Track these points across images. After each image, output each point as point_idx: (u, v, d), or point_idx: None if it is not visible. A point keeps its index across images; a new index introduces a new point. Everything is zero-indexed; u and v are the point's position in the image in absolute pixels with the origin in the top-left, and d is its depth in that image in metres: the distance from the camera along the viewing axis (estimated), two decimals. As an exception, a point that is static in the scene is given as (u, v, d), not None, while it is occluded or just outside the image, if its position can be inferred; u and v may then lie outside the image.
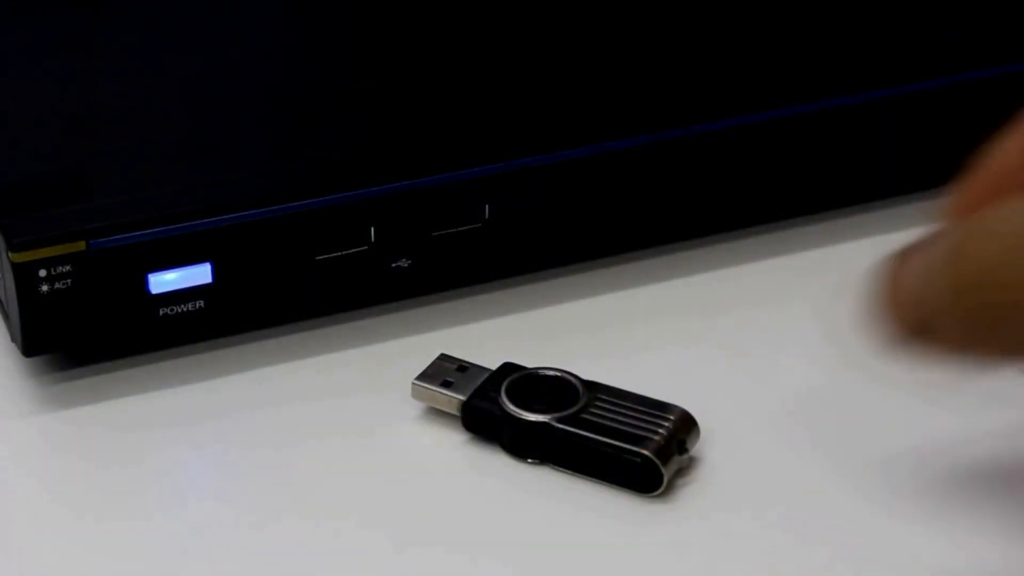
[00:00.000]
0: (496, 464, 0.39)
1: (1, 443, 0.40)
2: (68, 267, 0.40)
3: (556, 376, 0.40)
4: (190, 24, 0.50)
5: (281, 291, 0.42)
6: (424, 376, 0.40)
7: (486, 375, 0.40)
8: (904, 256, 0.34)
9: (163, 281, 0.41)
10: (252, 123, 0.45)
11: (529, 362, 0.41)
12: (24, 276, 0.39)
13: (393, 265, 0.43)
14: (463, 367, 0.41)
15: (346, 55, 0.49)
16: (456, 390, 0.40)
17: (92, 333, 0.41)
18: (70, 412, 0.41)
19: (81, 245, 0.40)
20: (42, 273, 0.39)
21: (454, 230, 0.43)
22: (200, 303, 0.41)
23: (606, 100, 0.45)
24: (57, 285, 0.40)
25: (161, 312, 0.41)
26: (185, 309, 0.41)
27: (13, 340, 0.41)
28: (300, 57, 0.48)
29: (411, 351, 0.43)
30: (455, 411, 0.40)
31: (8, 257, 0.39)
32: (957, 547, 0.36)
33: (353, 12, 0.52)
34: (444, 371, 0.41)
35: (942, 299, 0.33)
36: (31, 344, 0.41)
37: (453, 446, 0.40)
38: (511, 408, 0.39)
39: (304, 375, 0.42)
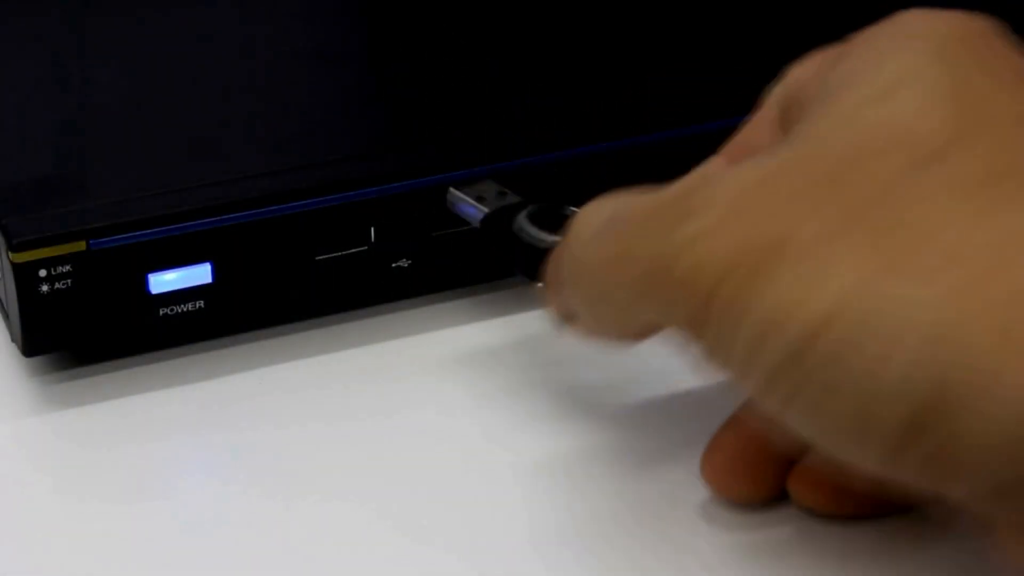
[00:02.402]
0: (496, 461, 0.39)
1: (2, 443, 0.40)
2: (68, 267, 0.40)
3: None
4: (191, 24, 0.50)
5: (281, 291, 0.42)
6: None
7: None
8: (558, 249, 0.37)
9: (163, 281, 0.41)
10: (252, 123, 0.45)
11: (528, 363, 0.41)
12: (24, 276, 0.39)
13: (393, 265, 0.43)
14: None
15: (347, 55, 0.49)
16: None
17: (92, 333, 0.41)
18: (70, 412, 0.41)
19: (81, 245, 0.40)
20: (42, 273, 0.39)
21: (454, 230, 0.43)
22: (200, 303, 0.41)
23: (605, 100, 0.45)
24: (57, 285, 0.40)
25: (161, 312, 0.41)
26: (185, 309, 0.41)
27: (13, 340, 0.41)
28: (300, 57, 0.48)
29: (411, 351, 0.43)
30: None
31: (8, 257, 0.39)
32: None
33: (353, 12, 0.52)
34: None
35: (564, 289, 0.37)
36: (31, 344, 0.41)
37: (453, 444, 0.40)
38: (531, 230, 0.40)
39: (304, 375, 0.42)
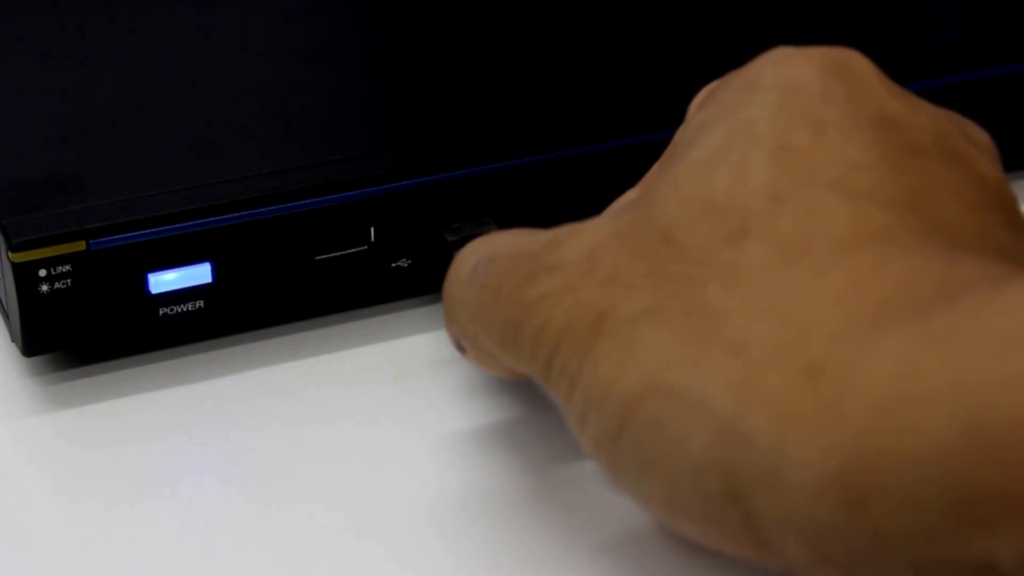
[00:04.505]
0: (490, 460, 0.39)
1: (2, 443, 0.40)
2: (68, 267, 0.40)
3: None
4: (191, 24, 0.50)
5: (281, 291, 0.42)
6: None
7: None
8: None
9: (163, 281, 0.41)
10: (252, 123, 0.45)
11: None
12: (24, 276, 0.39)
13: (393, 265, 0.43)
14: None
15: (346, 55, 0.49)
16: None
17: (92, 333, 0.41)
18: (70, 412, 0.41)
19: (81, 245, 0.40)
20: (42, 273, 0.39)
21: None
22: (200, 303, 0.41)
23: (605, 100, 0.45)
24: (57, 285, 0.40)
25: (161, 312, 0.41)
26: (185, 309, 0.41)
27: (13, 340, 0.41)
28: (300, 57, 0.48)
29: (411, 351, 0.43)
30: None
31: (8, 257, 0.39)
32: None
33: (353, 12, 0.52)
34: None
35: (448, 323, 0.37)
36: (31, 344, 0.41)
37: (450, 444, 0.40)
38: None
39: (304, 375, 0.42)
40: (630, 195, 0.39)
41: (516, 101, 0.45)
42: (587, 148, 0.44)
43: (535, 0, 0.51)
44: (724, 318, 0.31)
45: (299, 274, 0.42)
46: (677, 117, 0.45)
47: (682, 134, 0.35)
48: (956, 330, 0.28)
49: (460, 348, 0.38)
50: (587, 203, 0.45)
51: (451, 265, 0.37)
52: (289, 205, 0.41)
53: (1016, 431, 0.27)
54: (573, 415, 0.33)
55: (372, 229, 0.42)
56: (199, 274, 0.41)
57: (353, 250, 0.43)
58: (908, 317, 0.29)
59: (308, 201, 0.41)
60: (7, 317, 0.42)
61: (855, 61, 0.34)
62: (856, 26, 0.49)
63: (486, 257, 0.36)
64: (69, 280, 0.40)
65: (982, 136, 0.35)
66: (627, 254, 0.33)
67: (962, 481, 0.27)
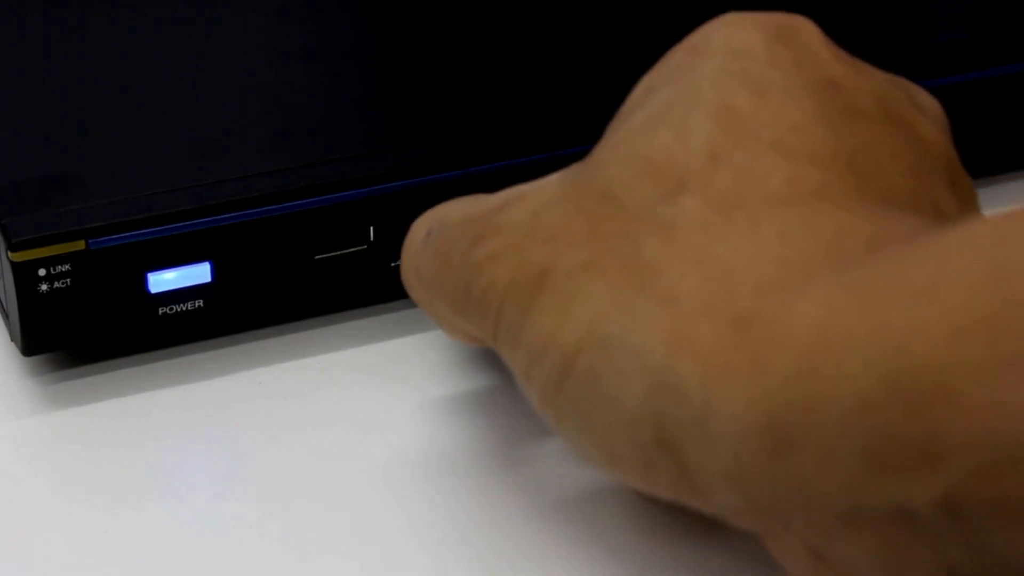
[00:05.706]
0: (491, 459, 0.39)
1: (2, 442, 0.41)
2: (68, 266, 0.40)
3: None
4: (190, 23, 0.50)
5: (280, 290, 0.42)
6: None
7: None
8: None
9: (162, 280, 0.41)
10: (252, 123, 0.45)
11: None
12: (24, 276, 0.39)
13: (393, 265, 0.43)
14: None
15: (346, 55, 0.49)
16: None
17: (92, 333, 0.41)
18: (70, 412, 0.41)
19: (81, 244, 0.40)
20: (42, 272, 0.39)
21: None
22: (199, 302, 0.41)
23: (605, 99, 0.45)
24: (57, 284, 0.40)
25: (160, 311, 0.41)
26: (184, 308, 0.41)
27: (13, 340, 0.41)
28: (300, 57, 0.48)
29: (410, 351, 0.43)
30: None
31: (8, 257, 0.39)
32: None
33: (353, 12, 0.52)
34: None
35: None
36: (31, 344, 0.41)
37: (449, 446, 0.40)
38: None
39: (303, 375, 0.42)
40: None
41: (515, 101, 0.45)
42: (586, 148, 0.44)
43: (534, 0, 0.51)
44: (657, 272, 0.31)
45: (298, 274, 0.42)
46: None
47: (630, 98, 0.36)
48: (876, 280, 0.29)
49: (430, 311, 0.38)
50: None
51: (406, 236, 0.37)
52: (288, 205, 0.41)
53: (928, 377, 0.27)
54: (520, 372, 0.33)
55: (371, 229, 0.42)
56: (198, 274, 0.41)
57: (352, 250, 0.43)
58: (834, 270, 0.30)
59: (307, 201, 0.41)
60: (7, 317, 0.42)
61: (802, 26, 0.35)
62: (857, 26, 0.49)
63: (437, 225, 0.36)
64: (68, 280, 0.40)
65: (929, 102, 0.36)
66: (570, 213, 0.33)
67: (879, 429, 0.27)
